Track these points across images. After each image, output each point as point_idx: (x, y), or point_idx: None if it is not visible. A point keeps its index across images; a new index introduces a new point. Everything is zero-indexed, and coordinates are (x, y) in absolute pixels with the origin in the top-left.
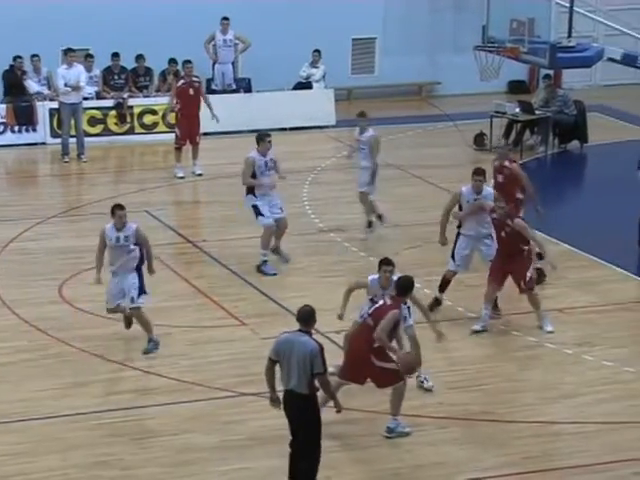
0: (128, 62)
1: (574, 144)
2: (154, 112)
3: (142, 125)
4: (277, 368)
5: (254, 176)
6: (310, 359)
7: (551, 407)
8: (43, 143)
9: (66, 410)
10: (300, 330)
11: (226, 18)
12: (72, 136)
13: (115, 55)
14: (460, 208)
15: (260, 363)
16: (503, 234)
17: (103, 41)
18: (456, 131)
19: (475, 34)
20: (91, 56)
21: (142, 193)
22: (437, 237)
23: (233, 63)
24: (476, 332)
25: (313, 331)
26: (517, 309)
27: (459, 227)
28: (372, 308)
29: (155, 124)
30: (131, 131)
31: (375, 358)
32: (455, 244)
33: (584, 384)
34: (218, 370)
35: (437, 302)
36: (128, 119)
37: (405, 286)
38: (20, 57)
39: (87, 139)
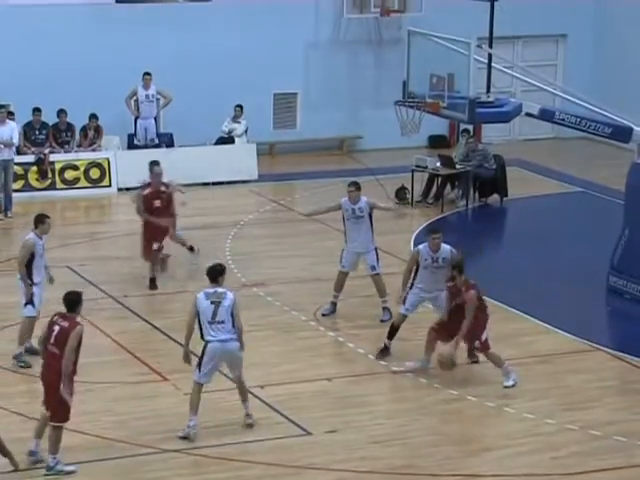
0: (49, 117)
1: (494, 198)
2: (75, 167)
3: (63, 180)
4: None
5: None
6: None
7: (473, 460)
8: None
9: None
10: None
11: (148, 73)
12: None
13: (36, 110)
14: (417, 267)
15: (183, 419)
16: (454, 303)
17: (24, 96)
18: (378, 185)
19: (396, 89)
20: (11, 113)
21: (64, 248)
22: (359, 291)
23: (155, 118)
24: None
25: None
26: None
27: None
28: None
29: (76, 179)
30: (52, 186)
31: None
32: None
33: (505, 436)
34: (141, 427)
35: (386, 350)
36: (49, 174)
37: (72, 300)
38: None
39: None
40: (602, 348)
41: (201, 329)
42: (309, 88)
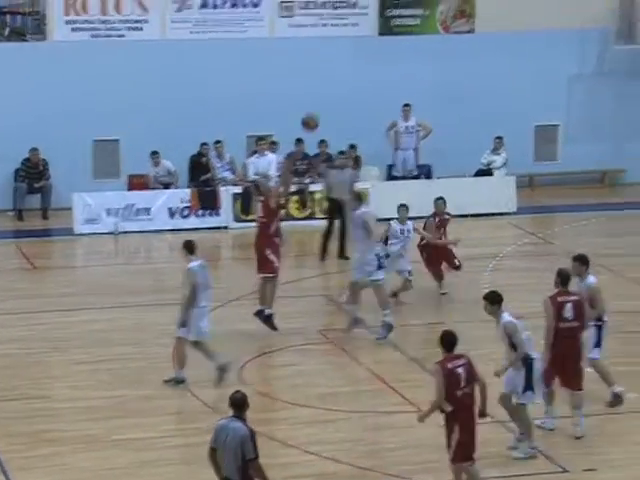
0: (310, 148)
1: None
2: None
3: (322, 210)
4: None
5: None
6: (241, 445)
7: None
8: (225, 227)
9: None
10: (234, 416)
11: (408, 104)
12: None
13: (298, 141)
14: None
15: (438, 450)
16: None
17: (286, 126)
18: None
19: None
20: (274, 143)
21: (322, 278)
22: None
23: (415, 149)
24: None
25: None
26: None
27: None
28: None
29: None
30: (312, 216)
31: None
32: None
33: None
34: (395, 457)
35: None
36: (309, 204)
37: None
38: (206, 143)
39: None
40: None
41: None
42: (571, 120)
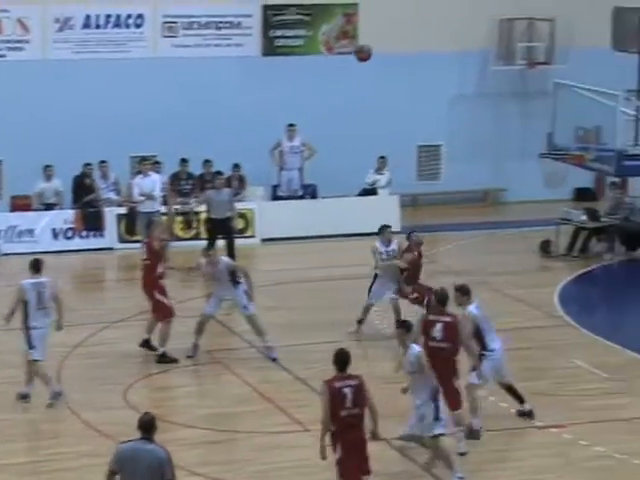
0: (195, 168)
1: None
2: None
3: None
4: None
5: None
6: (161, 467)
7: None
8: (110, 248)
9: None
10: (143, 438)
11: (292, 125)
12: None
13: (183, 161)
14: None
15: (328, 469)
16: None
17: (170, 147)
18: (522, 238)
19: (540, 141)
20: (158, 162)
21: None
22: None
23: (300, 169)
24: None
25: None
26: (580, 418)
27: None
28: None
29: None
30: (197, 237)
31: None
32: None
33: None
34: (282, 477)
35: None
36: (194, 225)
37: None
38: (89, 164)
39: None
40: None
41: None
42: (453, 140)
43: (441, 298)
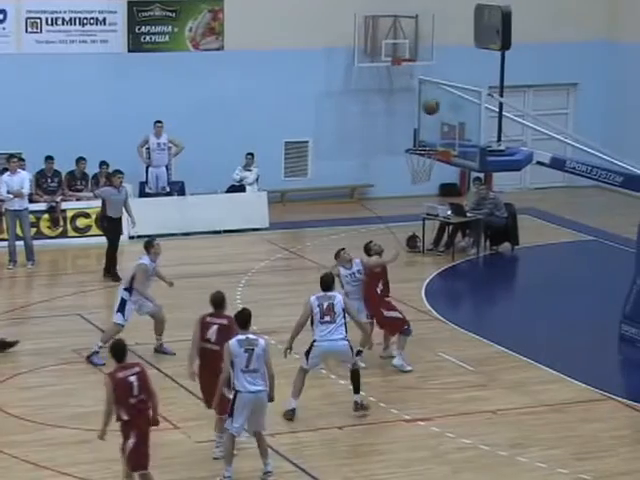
0: (62, 165)
1: (505, 246)
2: (87, 215)
3: (75, 228)
4: None
5: None
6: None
7: None
8: None
9: None
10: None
11: (159, 121)
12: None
13: (49, 158)
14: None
15: (194, 468)
16: None
17: (36, 144)
18: (389, 233)
19: (406, 137)
20: (22, 159)
21: (76, 296)
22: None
23: (167, 166)
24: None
25: None
26: (446, 411)
27: None
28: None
29: (88, 227)
30: (64, 234)
31: None
32: None
33: None
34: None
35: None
36: (61, 222)
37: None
38: None
39: (17, 242)
40: (614, 397)
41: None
42: (320, 136)
43: (216, 301)
